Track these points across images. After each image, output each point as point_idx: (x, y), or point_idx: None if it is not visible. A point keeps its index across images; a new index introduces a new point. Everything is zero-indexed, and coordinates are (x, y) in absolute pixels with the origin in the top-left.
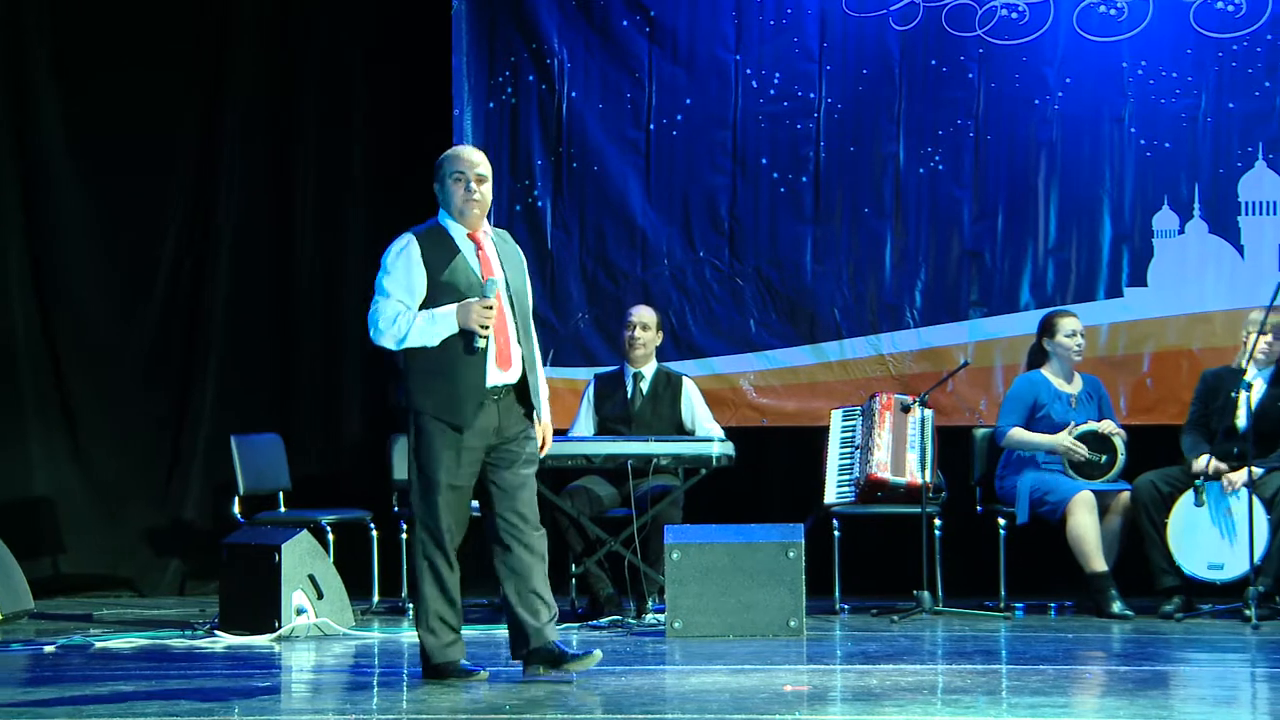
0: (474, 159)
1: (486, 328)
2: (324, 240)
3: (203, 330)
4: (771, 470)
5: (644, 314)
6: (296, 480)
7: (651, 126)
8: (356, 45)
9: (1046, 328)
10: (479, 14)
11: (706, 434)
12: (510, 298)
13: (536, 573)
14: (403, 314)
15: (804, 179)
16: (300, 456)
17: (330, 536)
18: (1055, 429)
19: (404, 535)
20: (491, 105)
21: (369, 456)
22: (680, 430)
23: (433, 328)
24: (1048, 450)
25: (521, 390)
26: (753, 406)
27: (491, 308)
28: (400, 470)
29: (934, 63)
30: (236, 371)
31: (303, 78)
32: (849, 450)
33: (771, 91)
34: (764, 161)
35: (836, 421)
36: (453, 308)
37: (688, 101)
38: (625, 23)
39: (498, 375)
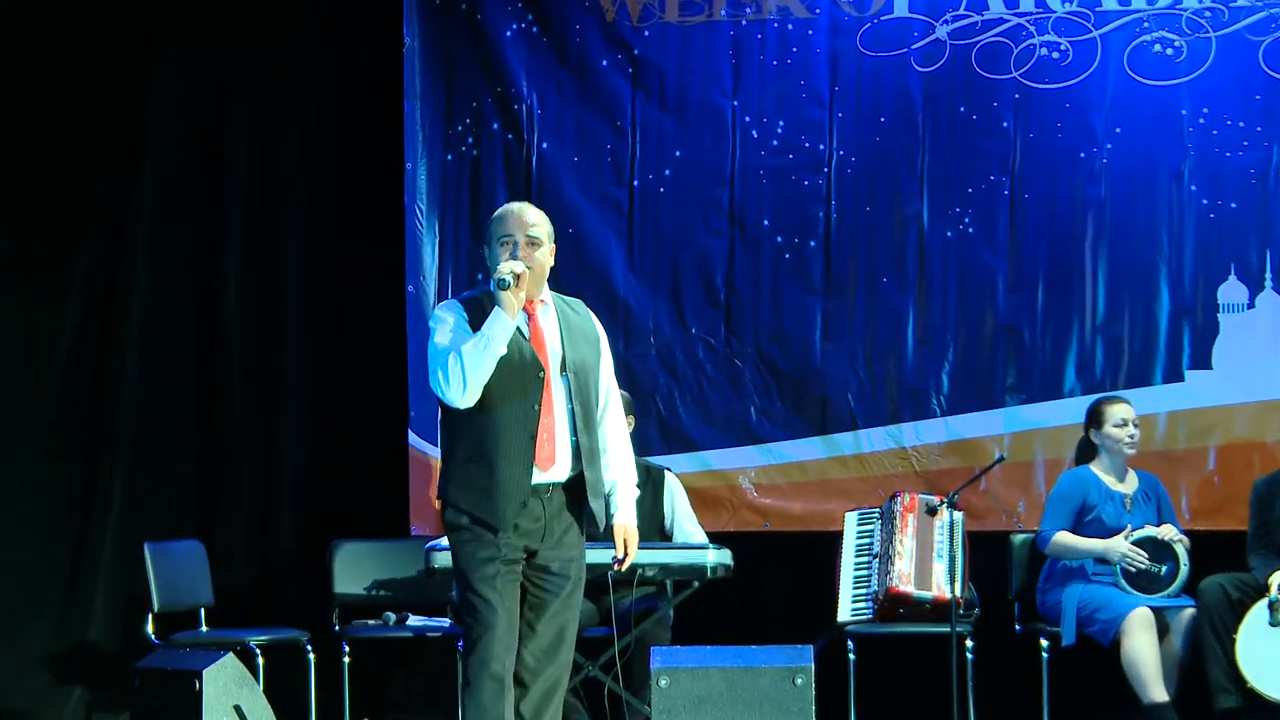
0: (527, 219)
1: (516, 274)
2: (254, 318)
3: (110, 419)
4: (775, 582)
5: None
6: (220, 594)
7: (635, 182)
8: (292, 91)
9: (1094, 417)
10: (435, 53)
11: (687, 538)
12: (568, 379)
13: None
14: (453, 355)
15: (812, 243)
16: (225, 567)
17: (260, 660)
18: (1107, 534)
19: (346, 659)
20: (450, 158)
21: (305, 567)
22: (665, 534)
23: (483, 341)
24: (1099, 558)
25: (575, 490)
26: (753, 508)
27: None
28: (342, 583)
29: (963, 109)
30: (150, 467)
31: (230, 129)
32: (866, 559)
33: (774, 142)
34: (766, 223)
35: (851, 525)
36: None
37: (677, 154)
38: (605, 62)
39: (538, 473)
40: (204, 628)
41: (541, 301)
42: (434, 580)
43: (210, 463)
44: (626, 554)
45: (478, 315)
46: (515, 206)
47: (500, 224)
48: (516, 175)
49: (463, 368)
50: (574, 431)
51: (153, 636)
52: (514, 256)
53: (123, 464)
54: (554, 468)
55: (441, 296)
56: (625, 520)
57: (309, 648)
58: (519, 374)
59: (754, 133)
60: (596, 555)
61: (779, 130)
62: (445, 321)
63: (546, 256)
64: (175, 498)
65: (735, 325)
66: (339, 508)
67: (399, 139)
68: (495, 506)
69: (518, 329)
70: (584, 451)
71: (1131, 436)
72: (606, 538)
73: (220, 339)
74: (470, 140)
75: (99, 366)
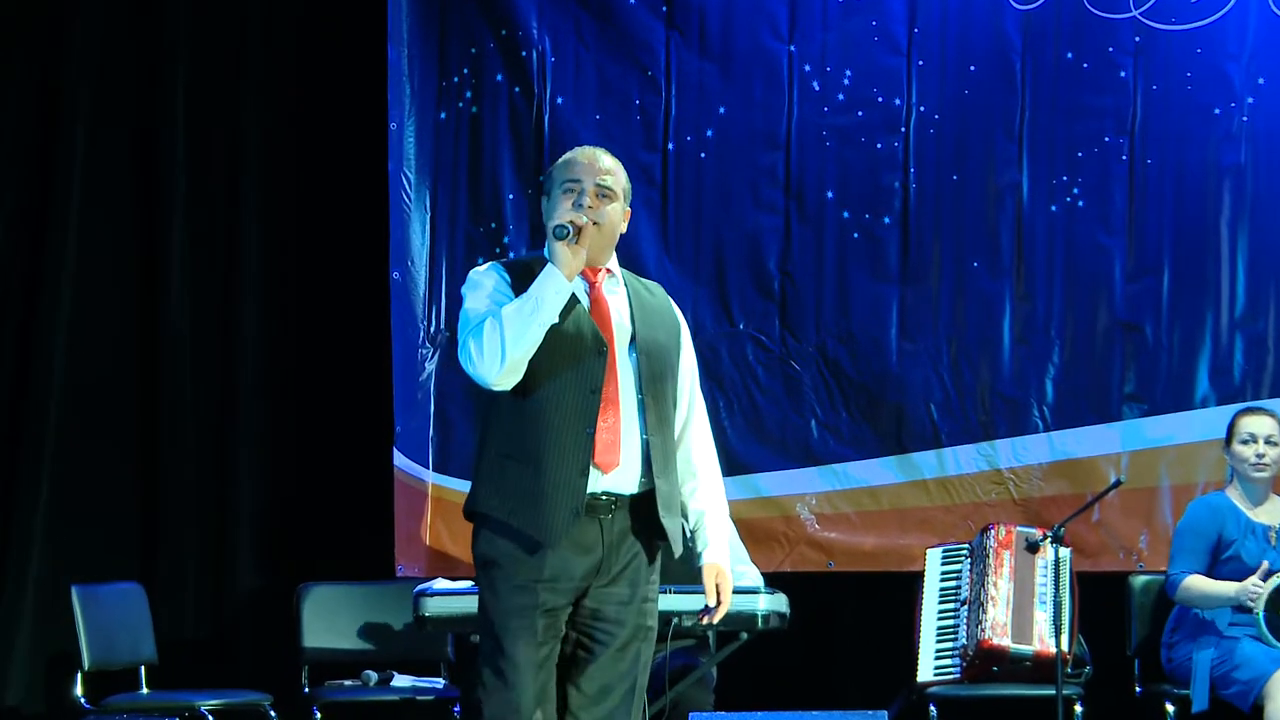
0: (600, 164)
1: (578, 226)
2: (204, 312)
3: (30, 435)
4: (841, 634)
5: None
6: (165, 649)
7: (671, 145)
8: (248, 35)
9: (1228, 431)
10: None
11: (738, 579)
12: (637, 359)
13: None
14: (490, 320)
15: (886, 220)
16: (171, 614)
17: None
18: (1247, 575)
19: None
20: (444, 115)
21: (267, 614)
22: None
23: (530, 304)
24: (1234, 604)
25: (644, 508)
26: (815, 543)
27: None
28: (312, 635)
29: (1070, 56)
30: (78, 494)
31: (172, 79)
32: (952, 606)
33: (840, 97)
34: (829, 195)
35: (934, 565)
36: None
37: (721, 110)
38: None
39: (597, 478)
40: (145, 689)
41: (608, 271)
42: (425, 632)
43: (152, 489)
44: (720, 601)
45: (526, 281)
46: (588, 149)
47: (566, 168)
48: (525, 136)
49: (501, 336)
50: (644, 428)
51: (82, 700)
52: (578, 206)
53: (46, 492)
54: (618, 471)
55: (434, 284)
56: (716, 559)
57: (272, 713)
58: (575, 350)
59: (815, 85)
60: (674, 601)
61: (845, 82)
62: (482, 285)
63: (618, 215)
64: (109, 531)
65: (792, 320)
66: (308, 543)
67: (382, 93)
68: (541, 516)
69: (574, 297)
70: (655, 454)
71: (1260, 456)
72: (682, 579)
73: (164, 339)
74: (469, 94)
75: (18, 373)
